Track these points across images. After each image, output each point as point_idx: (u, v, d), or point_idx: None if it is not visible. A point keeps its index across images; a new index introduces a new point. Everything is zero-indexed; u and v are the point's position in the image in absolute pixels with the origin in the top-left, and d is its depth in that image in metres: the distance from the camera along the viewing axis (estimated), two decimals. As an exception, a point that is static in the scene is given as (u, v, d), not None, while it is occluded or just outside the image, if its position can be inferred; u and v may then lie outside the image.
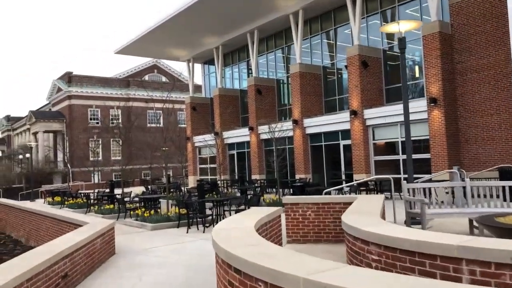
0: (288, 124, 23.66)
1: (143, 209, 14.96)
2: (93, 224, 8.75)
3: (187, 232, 11.80)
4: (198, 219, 12.37)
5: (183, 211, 13.44)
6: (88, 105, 51.45)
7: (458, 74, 17.76)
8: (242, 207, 13.33)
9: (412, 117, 18.58)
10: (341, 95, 24.11)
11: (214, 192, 19.85)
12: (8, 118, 75.39)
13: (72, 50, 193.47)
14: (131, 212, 15.22)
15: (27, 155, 43.15)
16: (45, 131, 53.42)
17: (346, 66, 21.52)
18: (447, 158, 17.18)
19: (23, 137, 64.13)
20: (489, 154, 16.79)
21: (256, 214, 6.67)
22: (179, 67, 53.41)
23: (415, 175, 19.70)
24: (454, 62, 17.89)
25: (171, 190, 25.39)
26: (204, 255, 8.34)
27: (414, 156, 19.41)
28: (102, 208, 17.68)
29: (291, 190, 18.60)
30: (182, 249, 9.57)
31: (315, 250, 8.02)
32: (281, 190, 22.73)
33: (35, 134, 54.94)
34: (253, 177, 26.41)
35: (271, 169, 26.12)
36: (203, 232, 11.59)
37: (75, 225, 9.83)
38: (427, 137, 18.31)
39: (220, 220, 12.16)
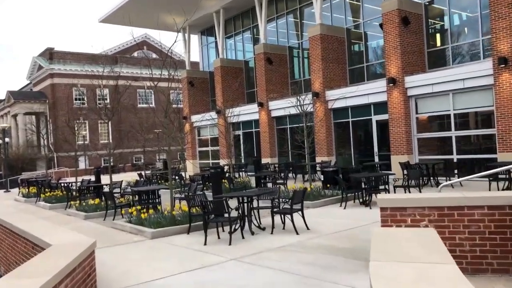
0: (294, 100, 19.91)
1: (138, 207, 11.23)
2: (58, 249, 5.06)
3: (205, 244, 8.12)
4: (219, 223, 8.69)
5: (194, 208, 9.78)
6: (73, 84, 46.99)
7: (533, 27, 14.07)
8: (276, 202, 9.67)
9: (469, 83, 15.04)
10: (369, 61, 20.36)
11: (224, 181, 16.16)
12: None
13: (57, 24, 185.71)
14: (123, 211, 11.49)
15: (6, 139, 38.94)
16: (26, 113, 48.97)
17: (381, 25, 17.70)
18: (521, 134, 13.63)
19: (3, 121, 59.60)
20: None
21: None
22: (171, 43, 49.15)
23: (472, 156, 16.30)
24: (528, 12, 14.17)
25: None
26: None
27: (471, 132, 15.90)
28: (85, 203, 13.92)
29: (321, 176, 14.98)
30: (210, 283, 5.88)
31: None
32: (300, 175, 19.15)
33: (14, 116, 50.50)
34: (264, 160, 22.75)
35: (284, 151, 22.53)
36: (229, 243, 7.91)
37: (33, 245, 6.15)
38: (491, 107, 14.71)
39: (249, 224, 8.52)
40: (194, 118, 28.54)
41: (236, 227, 8.51)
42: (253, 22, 26.49)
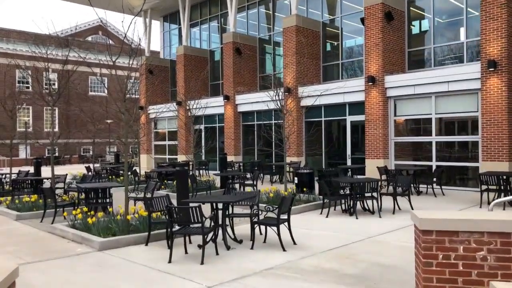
0: (267, 95, 18.44)
1: (84, 208, 9.28)
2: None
3: (170, 261, 6.41)
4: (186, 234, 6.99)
5: (154, 213, 8.04)
6: (16, 65, 42.90)
7: (524, 31, 13.40)
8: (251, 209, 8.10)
9: (454, 86, 14.20)
10: (345, 59, 19.25)
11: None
12: None
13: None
14: (65, 213, 9.49)
15: None
16: (-39, 95, 44.25)
17: (362, 19, 16.59)
18: (507, 142, 12.89)
19: None
20: None
21: None
22: (129, 32, 46.25)
23: (453, 163, 15.48)
24: (519, 15, 13.50)
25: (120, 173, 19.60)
26: None
27: (453, 138, 15.10)
28: (19, 199, 11.68)
29: (294, 179, 13.59)
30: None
31: None
32: (268, 176, 17.74)
33: None
34: (228, 158, 21.08)
35: (250, 150, 21.06)
36: (201, 262, 6.25)
37: None
38: (476, 113, 13.93)
39: (224, 236, 6.93)
40: (152, 109, 26.36)
41: (208, 239, 6.85)
42: (222, 10, 24.77)
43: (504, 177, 10.77)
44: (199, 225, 6.44)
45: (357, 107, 17.01)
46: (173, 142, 25.35)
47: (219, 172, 17.13)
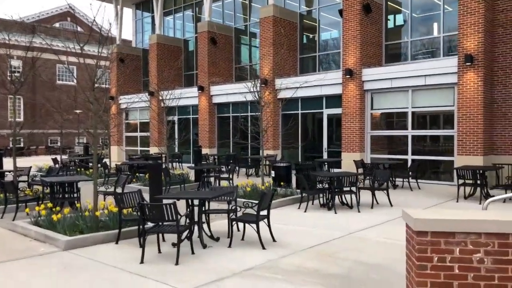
0: (243, 86, 18.03)
1: (49, 204, 8.69)
2: None
3: (142, 261, 5.98)
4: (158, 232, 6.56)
5: (126, 209, 7.57)
6: (-22, 51, 40.83)
7: (500, 26, 13.48)
8: (227, 205, 7.75)
9: (431, 80, 14.19)
10: (323, 51, 19.03)
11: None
12: None
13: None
14: (27, 209, 8.85)
15: None
16: None
17: (340, 11, 16.36)
18: (482, 137, 12.97)
19: None
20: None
21: None
22: (99, 18, 44.76)
23: (428, 157, 15.46)
24: (496, 10, 13.56)
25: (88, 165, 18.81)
26: None
27: (429, 132, 15.13)
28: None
29: (272, 173, 13.29)
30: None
31: None
32: (244, 170, 17.41)
33: None
34: (202, 151, 20.60)
35: (226, 142, 20.67)
36: (176, 263, 5.85)
37: None
38: (452, 107, 13.97)
39: (200, 233, 6.57)
40: (123, 99, 25.51)
41: (183, 238, 6.45)
42: (196, -3, 24.09)
43: (480, 171, 10.78)
44: (174, 223, 6.03)
45: (334, 100, 16.84)
46: (145, 134, 24.63)
47: (193, 165, 16.66)
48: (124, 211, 7.62)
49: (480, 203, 10.35)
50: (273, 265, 5.75)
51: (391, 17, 16.89)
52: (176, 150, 22.80)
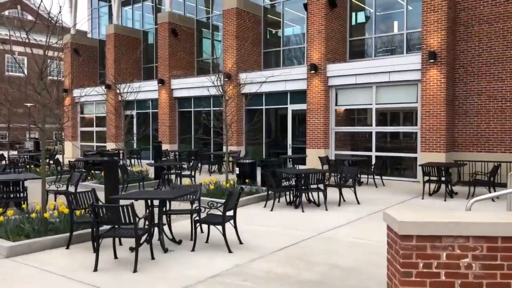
0: (205, 80, 17.41)
1: (-9, 205, 7.85)
2: None
3: (96, 269, 5.38)
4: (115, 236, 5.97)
5: (78, 211, 6.91)
6: None
7: (461, 25, 13.64)
8: (196, 205, 7.25)
9: (395, 77, 14.21)
10: (286, 46, 18.74)
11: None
12: None
13: None
14: (-35, 211, 7.96)
15: None
16: None
17: (305, 5, 16.08)
18: (445, 134, 13.11)
19: None
20: (496, 131, 13.10)
21: None
22: (48, 3, 42.39)
23: (392, 154, 15.51)
24: (458, 8, 13.71)
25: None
26: None
27: (393, 129, 15.17)
28: None
29: (236, 169, 12.85)
30: None
31: None
32: (205, 166, 16.87)
33: None
34: (162, 147, 19.84)
35: (187, 137, 20.05)
36: (134, 270, 5.30)
37: None
38: (415, 104, 14.04)
39: (161, 236, 6.06)
40: (78, 92, 24.17)
41: (141, 241, 5.89)
42: (156, -13, 23.16)
43: (445, 168, 10.81)
44: (132, 226, 5.46)
45: (299, 95, 16.59)
46: (101, 129, 23.50)
47: (153, 161, 15.95)
48: (77, 212, 6.95)
49: (445, 200, 10.38)
50: (241, 270, 5.32)
51: (355, 13, 16.81)
52: (135, 146, 21.89)
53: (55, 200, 9.29)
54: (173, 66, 20.44)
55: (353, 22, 16.87)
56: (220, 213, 6.33)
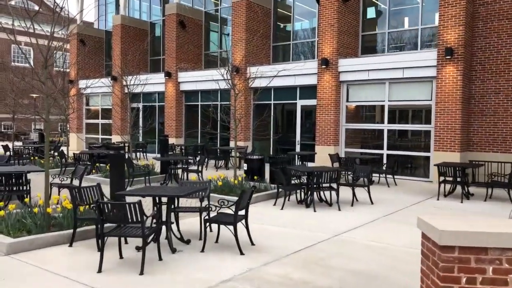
0: (213, 73, 16.96)
1: (-8, 198, 7.57)
2: None
3: (100, 270, 5.08)
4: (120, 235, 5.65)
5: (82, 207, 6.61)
6: None
7: (480, 20, 13.18)
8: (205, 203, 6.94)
9: (409, 73, 13.79)
10: (297, 40, 18.32)
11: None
12: None
13: None
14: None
15: None
16: None
17: (317, -3, 15.65)
18: (460, 133, 12.70)
19: None
20: (514, 131, 12.69)
21: None
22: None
23: (407, 153, 15.13)
24: (477, 3, 13.24)
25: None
26: None
27: (406, 126, 14.77)
28: None
29: (244, 165, 12.51)
30: None
31: None
32: (211, 161, 16.55)
33: None
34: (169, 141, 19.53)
35: (194, 131, 19.75)
36: (141, 272, 4.99)
37: None
38: (430, 102, 13.62)
39: (169, 236, 5.76)
40: (83, 83, 23.88)
41: (148, 241, 5.57)
42: (164, -22, 22.77)
43: (461, 168, 10.42)
44: (139, 224, 5.15)
45: (309, 90, 16.20)
46: (107, 121, 23.22)
47: (159, 155, 15.64)
48: (81, 208, 6.64)
49: (461, 202, 10.00)
50: (255, 275, 4.99)
51: (368, 7, 16.36)
52: (140, 139, 21.60)
53: (59, 194, 8.99)
54: (181, 58, 20.08)
55: (366, 17, 16.42)
56: (231, 212, 6.01)
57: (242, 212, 6.15)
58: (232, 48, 17.92)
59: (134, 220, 5.09)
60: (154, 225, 5.75)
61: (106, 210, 5.24)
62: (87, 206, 6.61)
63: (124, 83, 16.01)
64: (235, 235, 5.83)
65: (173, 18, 19.93)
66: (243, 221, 6.18)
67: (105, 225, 5.72)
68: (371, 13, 16.49)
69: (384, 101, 14.57)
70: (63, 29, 8.24)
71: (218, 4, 20.91)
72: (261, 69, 15.64)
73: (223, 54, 20.85)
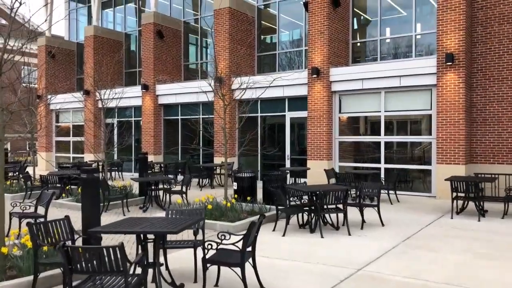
0: (194, 85, 15.76)
1: None
2: None
3: None
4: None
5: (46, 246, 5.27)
6: None
7: (479, 25, 12.51)
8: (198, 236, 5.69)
9: (407, 81, 12.98)
10: (284, 49, 17.38)
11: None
12: None
13: None
14: None
15: None
16: None
17: (306, 4, 14.75)
18: (464, 144, 11.87)
19: None
20: (520, 141, 11.95)
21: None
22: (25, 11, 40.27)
23: (407, 166, 13.49)
24: (475, 7, 12.59)
25: (13, 176, 15.90)
26: None
27: (404, 138, 13.89)
28: None
29: (234, 184, 11.28)
30: None
31: None
32: (194, 179, 15.27)
33: None
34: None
35: (174, 148, 18.44)
36: None
37: None
38: (430, 111, 12.79)
39: (158, 279, 4.46)
40: (53, 98, 22.25)
41: (132, 289, 4.27)
42: (140, -13, 21.59)
43: (474, 183, 9.51)
44: (120, 275, 3.87)
45: (299, 101, 15.20)
46: (79, 138, 21.61)
47: (137, 175, 14.25)
48: (45, 248, 5.31)
49: (478, 220, 9.05)
50: (278, 338, 3.78)
51: (358, 14, 15.59)
52: (115, 157, 20.09)
53: (20, 227, 7.58)
54: (158, 70, 18.83)
55: (356, 24, 15.63)
56: (234, 247, 4.82)
57: (249, 249, 4.95)
58: (215, 58, 16.78)
59: (114, 269, 3.82)
60: (138, 271, 4.47)
61: (76, 257, 3.94)
62: (52, 247, 5.27)
63: (98, 96, 14.65)
64: (243, 279, 4.61)
65: (150, 28, 18.71)
66: (250, 259, 4.98)
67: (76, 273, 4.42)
68: (362, 20, 15.73)
69: (380, 111, 13.67)
70: (26, 42, 6.95)
71: (197, 14, 19.83)
72: (248, 80, 14.54)
73: (204, 65, 19.73)
